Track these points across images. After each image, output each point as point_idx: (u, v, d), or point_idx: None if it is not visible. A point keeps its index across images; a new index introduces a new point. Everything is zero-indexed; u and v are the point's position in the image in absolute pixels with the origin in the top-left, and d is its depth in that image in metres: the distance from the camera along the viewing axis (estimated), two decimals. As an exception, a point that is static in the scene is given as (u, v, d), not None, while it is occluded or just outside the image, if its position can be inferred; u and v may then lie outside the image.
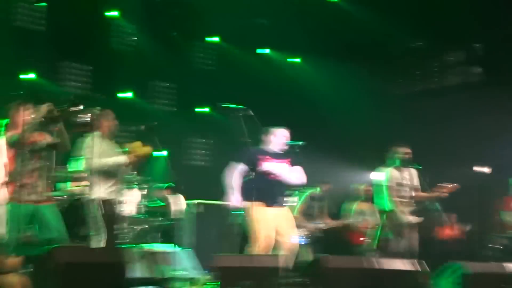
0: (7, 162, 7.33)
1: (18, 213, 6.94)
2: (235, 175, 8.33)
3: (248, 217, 8.38)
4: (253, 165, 8.41)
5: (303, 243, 11.10)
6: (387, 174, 9.82)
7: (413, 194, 9.81)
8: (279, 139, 8.68)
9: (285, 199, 8.80)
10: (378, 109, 14.77)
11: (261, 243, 8.26)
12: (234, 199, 8.30)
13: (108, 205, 8.15)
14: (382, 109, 14.79)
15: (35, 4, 14.04)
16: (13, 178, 7.24)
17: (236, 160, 8.38)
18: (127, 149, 8.20)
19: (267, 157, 8.55)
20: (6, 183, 7.29)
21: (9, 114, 7.45)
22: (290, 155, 8.68)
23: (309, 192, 10.24)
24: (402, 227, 9.66)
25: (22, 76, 13.25)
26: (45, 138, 7.47)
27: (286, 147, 8.70)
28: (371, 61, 15.27)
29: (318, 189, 11.70)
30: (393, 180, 9.75)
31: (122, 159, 8.11)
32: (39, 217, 7.26)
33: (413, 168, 9.93)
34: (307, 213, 11.44)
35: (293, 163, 8.63)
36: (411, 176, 9.86)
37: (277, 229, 8.42)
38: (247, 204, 8.28)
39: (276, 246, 8.44)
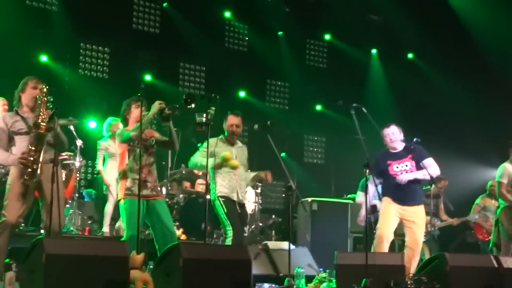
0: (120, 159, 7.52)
1: (134, 209, 7.06)
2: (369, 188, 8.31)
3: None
4: (382, 173, 8.52)
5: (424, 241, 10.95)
6: (500, 169, 9.71)
7: None
8: (386, 138, 8.66)
9: (420, 197, 8.74)
10: (497, 103, 14.41)
11: (379, 233, 8.32)
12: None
13: (232, 203, 8.22)
14: (500, 104, 14.44)
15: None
16: (125, 174, 7.41)
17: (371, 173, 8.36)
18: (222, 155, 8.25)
19: (389, 161, 8.60)
20: (119, 180, 7.48)
21: (121, 111, 7.66)
22: (411, 150, 8.58)
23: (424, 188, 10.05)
24: None
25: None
26: (155, 135, 7.64)
27: (402, 143, 8.61)
28: (489, 56, 14.88)
29: (433, 185, 11.48)
30: (505, 176, 9.61)
31: (211, 163, 8.12)
32: (152, 212, 7.40)
33: None
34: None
35: (416, 158, 8.53)
36: None
37: (405, 226, 8.50)
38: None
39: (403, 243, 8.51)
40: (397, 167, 8.54)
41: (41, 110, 6.79)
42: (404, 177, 8.43)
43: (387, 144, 8.69)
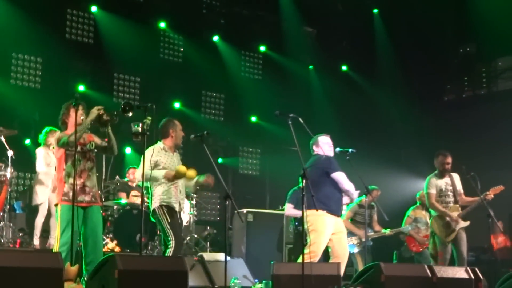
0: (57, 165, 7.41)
1: (70, 216, 6.96)
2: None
3: (307, 224, 8.36)
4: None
5: (353, 251, 11.07)
6: (427, 181, 10.00)
7: (457, 199, 9.88)
8: (323, 146, 8.68)
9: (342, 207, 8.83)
10: (427, 115, 14.72)
11: (317, 250, 8.28)
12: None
13: (174, 213, 8.10)
14: (431, 115, 14.75)
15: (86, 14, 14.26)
16: (63, 179, 7.29)
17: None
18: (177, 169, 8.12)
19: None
20: (56, 185, 7.40)
21: (59, 115, 7.54)
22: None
23: (357, 199, 10.17)
24: (448, 232, 9.70)
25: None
26: (94, 140, 7.56)
27: (333, 154, 8.67)
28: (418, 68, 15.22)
29: (364, 196, 11.61)
30: (433, 187, 9.91)
31: (161, 174, 8.02)
32: (87, 221, 7.30)
33: (455, 173, 10.01)
34: (356, 221, 11.36)
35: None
36: (453, 181, 9.92)
37: (332, 237, 8.45)
38: (310, 212, 8.25)
39: (329, 254, 8.48)
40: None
41: None
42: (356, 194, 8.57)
43: (323, 152, 8.67)
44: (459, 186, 9.97)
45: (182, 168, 8.00)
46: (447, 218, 9.74)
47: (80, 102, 7.25)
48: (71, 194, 7.16)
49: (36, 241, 10.29)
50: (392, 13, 15.20)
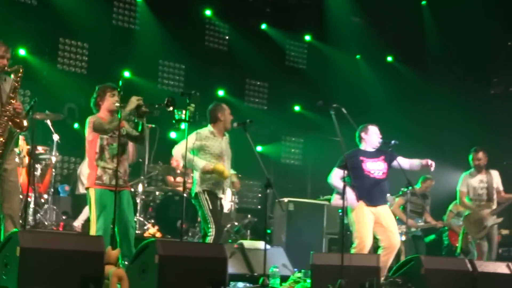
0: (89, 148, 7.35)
1: (105, 201, 7.04)
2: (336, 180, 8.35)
3: (350, 216, 8.39)
4: (353, 168, 8.27)
5: (402, 240, 10.98)
6: (460, 179, 10.12)
7: (494, 196, 9.91)
8: (371, 136, 8.63)
9: (386, 196, 8.80)
10: (473, 108, 14.56)
11: (361, 241, 8.26)
12: (349, 197, 8.19)
13: (216, 199, 8.07)
14: (477, 108, 14.58)
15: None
16: (95, 162, 7.25)
17: (337, 166, 8.37)
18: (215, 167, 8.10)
19: (362, 157, 8.54)
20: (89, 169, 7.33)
21: (93, 97, 7.47)
22: (383, 152, 8.60)
23: (408, 188, 10.08)
24: (479, 229, 9.80)
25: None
26: (125, 127, 7.44)
27: (379, 145, 8.62)
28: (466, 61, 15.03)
29: (419, 185, 11.53)
30: (464, 185, 10.04)
31: (200, 164, 8.02)
32: (120, 203, 7.22)
33: (495, 170, 10.08)
34: (406, 210, 11.21)
35: (388, 160, 8.57)
36: (490, 178, 9.93)
37: (378, 227, 8.40)
38: (351, 203, 8.27)
39: (377, 244, 8.47)
40: (370, 165, 8.52)
41: (15, 96, 6.50)
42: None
43: (372, 141, 8.61)
44: (497, 183, 9.90)
45: (221, 167, 7.97)
46: (478, 215, 9.72)
47: (118, 89, 7.20)
48: (104, 178, 7.18)
49: (77, 223, 10.35)
50: (440, 5, 15.02)
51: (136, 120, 7.33)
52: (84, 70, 13.73)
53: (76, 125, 12.78)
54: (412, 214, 11.07)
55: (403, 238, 11.04)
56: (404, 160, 8.61)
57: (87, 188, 7.34)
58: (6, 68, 6.53)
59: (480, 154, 9.91)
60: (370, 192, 8.40)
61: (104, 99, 7.39)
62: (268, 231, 11.30)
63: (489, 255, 9.70)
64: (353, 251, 8.24)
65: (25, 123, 6.53)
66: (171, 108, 7.20)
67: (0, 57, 6.49)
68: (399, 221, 10.66)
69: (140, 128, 7.35)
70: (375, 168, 8.52)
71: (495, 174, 9.97)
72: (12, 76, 6.56)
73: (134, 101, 7.16)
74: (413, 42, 15.75)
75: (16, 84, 6.54)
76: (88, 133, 7.34)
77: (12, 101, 6.48)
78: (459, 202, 10.12)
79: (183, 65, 15.04)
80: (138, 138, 7.50)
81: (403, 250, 10.92)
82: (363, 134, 8.65)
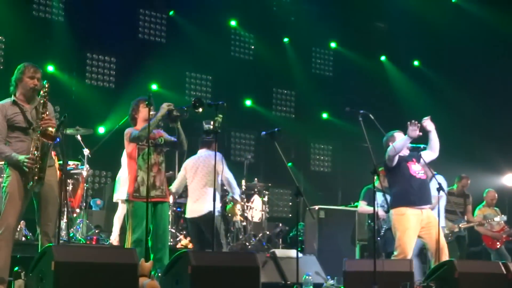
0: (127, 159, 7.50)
1: (142, 213, 7.10)
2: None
3: (392, 221, 8.36)
4: (400, 173, 8.37)
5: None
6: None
7: None
8: None
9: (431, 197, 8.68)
10: (502, 113, 14.46)
11: (402, 251, 8.17)
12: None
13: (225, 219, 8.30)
14: (506, 113, 14.49)
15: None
16: (134, 173, 7.39)
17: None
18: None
19: (405, 161, 8.52)
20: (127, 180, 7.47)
21: (129, 111, 7.70)
22: (413, 154, 8.58)
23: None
24: None
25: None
26: (164, 136, 7.64)
27: (408, 151, 8.59)
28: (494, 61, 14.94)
29: (455, 185, 11.47)
30: None
31: None
32: (157, 215, 7.37)
33: None
34: (446, 210, 11.05)
35: (418, 161, 8.56)
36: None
37: (424, 230, 8.32)
38: (392, 210, 8.27)
39: (425, 246, 8.46)
40: (414, 167, 8.50)
41: (45, 111, 6.48)
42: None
43: None
44: None
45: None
46: None
47: (151, 102, 7.32)
48: (141, 189, 7.30)
49: (113, 236, 10.41)
50: (466, 11, 14.99)
51: (170, 126, 7.49)
52: (112, 84, 13.85)
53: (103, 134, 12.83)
54: (451, 216, 10.94)
55: (449, 238, 10.91)
56: (425, 152, 8.57)
57: (126, 200, 7.50)
58: (36, 87, 6.60)
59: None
60: (419, 193, 8.34)
61: (138, 111, 7.60)
62: (300, 238, 11.31)
63: None
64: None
65: (56, 133, 6.55)
66: (200, 110, 7.33)
67: (30, 77, 6.55)
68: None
69: (176, 133, 7.49)
70: (417, 169, 8.50)
71: None
72: (41, 92, 6.62)
73: (164, 107, 7.37)
74: (438, 47, 15.69)
75: (44, 100, 6.60)
76: (126, 145, 7.56)
77: (43, 116, 6.53)
78: None
79: (210, 76, 15.11)
80: (177, 144, 7.63)
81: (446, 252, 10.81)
82: (390, 143, 8.63)
